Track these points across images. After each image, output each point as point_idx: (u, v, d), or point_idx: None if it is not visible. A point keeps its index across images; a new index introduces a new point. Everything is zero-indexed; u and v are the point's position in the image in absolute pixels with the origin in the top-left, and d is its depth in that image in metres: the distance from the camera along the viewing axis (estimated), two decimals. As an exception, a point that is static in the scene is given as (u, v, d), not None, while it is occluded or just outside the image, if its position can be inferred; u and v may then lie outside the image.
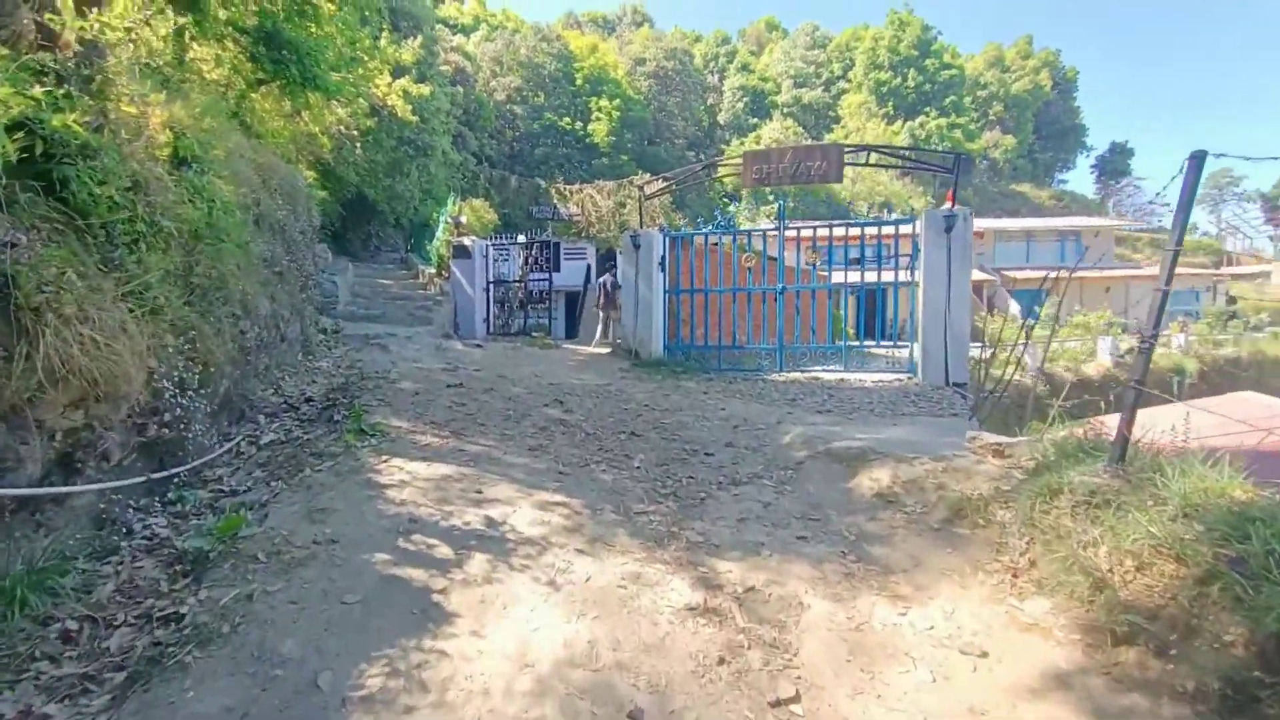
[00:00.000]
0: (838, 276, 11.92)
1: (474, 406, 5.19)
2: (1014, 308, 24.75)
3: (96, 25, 3.04)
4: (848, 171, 8.43)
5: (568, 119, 37.37)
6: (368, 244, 20.05)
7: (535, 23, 42.70)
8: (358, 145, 14.03)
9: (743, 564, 2.90)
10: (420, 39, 14.23)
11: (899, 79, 45.05)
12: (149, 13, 9.21)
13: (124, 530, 2.85)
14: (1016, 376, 15.17)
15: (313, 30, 10.55)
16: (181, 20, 9.01)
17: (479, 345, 9.45)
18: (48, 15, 2.83)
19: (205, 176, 4.26)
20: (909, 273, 8.03)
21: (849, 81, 49.71)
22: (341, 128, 13.47)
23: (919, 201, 45.22)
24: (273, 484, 3.41)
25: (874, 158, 8.32)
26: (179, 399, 3.32)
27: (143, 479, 3.01)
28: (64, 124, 2.50)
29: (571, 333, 23.89)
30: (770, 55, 56.26)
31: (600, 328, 11.50)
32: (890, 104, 44.73)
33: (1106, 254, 27.84)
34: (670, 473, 4.11)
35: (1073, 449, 3.03)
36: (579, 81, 38.93)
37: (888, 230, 8.24)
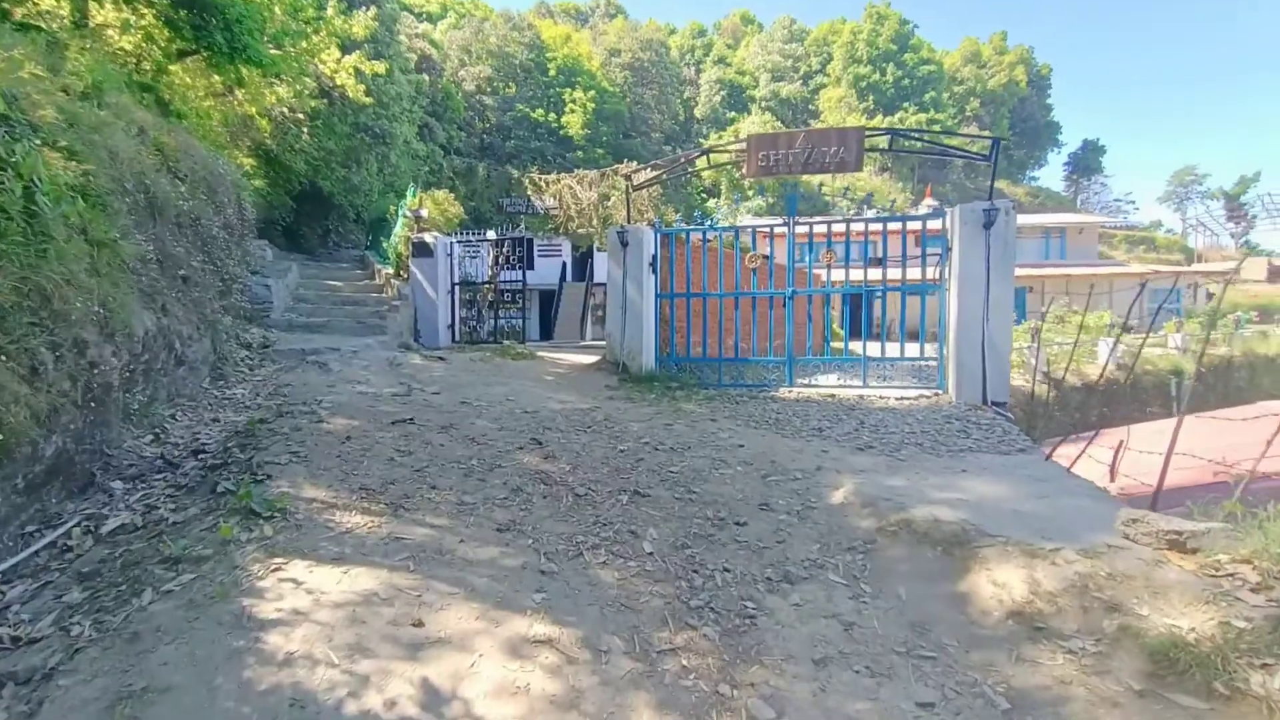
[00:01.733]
0: (838, 276, 10.93)
1: (425, 455, 3.95)
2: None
3: None
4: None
5: (540, 110, 35.89)
6: (326, 240, 18.42)
7: (505, 10, 41.04)
8: (304, 130, 12.51)
9: (852, 775, 1.75)
10: (374, 11, 12.76)
11: (878, 74, 44.61)
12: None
13: None
14: (1023, 381, 14.41)
15: (246, -4, 9.08)
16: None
17: (441, 358, 8.15)
18: None
19: (22, 144, 2.94)
20: (938, 274, 7.03)
21: (827, 76, 49.17)
22: (285, 110, 11.96)
23: (899, 197, 44.92)
24: (78, 626, 2.13)
25: (900, 144, 7.27)
26: (-85, 496, 2.03)
27: None
28: None
29: (547, 334, 22.65)
30: (747, 49, 55.46)
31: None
32: (870, 99, 44.25)
33: (1090, 250, 27.59)
34: (696, 561, 2.95)
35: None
36: (552, 72, 37.46)
37: (912, 226, 7.22)
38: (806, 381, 7.72)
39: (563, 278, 23.95)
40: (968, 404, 6.47)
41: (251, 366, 6.12)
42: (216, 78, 9.87)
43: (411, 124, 19.33)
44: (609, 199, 12.45)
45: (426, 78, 25.43)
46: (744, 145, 7.52)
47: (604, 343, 8.60)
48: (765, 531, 3.27)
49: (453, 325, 10.50)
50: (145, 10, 8.32)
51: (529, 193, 15.00)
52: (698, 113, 50.44)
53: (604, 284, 8.43)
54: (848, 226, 7.36)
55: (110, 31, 8.52)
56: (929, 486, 3.72)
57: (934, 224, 7.21)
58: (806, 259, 8.03)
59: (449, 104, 28.14)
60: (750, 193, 40.13)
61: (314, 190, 15.54)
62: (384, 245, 11.74)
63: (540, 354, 10.12)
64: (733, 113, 48.81)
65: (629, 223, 8.45)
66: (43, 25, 7.27)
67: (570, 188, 12.81)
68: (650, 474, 4.02)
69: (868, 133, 7.09)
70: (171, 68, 9.12)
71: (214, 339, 5.81)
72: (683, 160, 8.43)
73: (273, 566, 2.48)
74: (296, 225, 16.44)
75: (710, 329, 8.02)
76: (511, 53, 37.10)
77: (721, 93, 50.45)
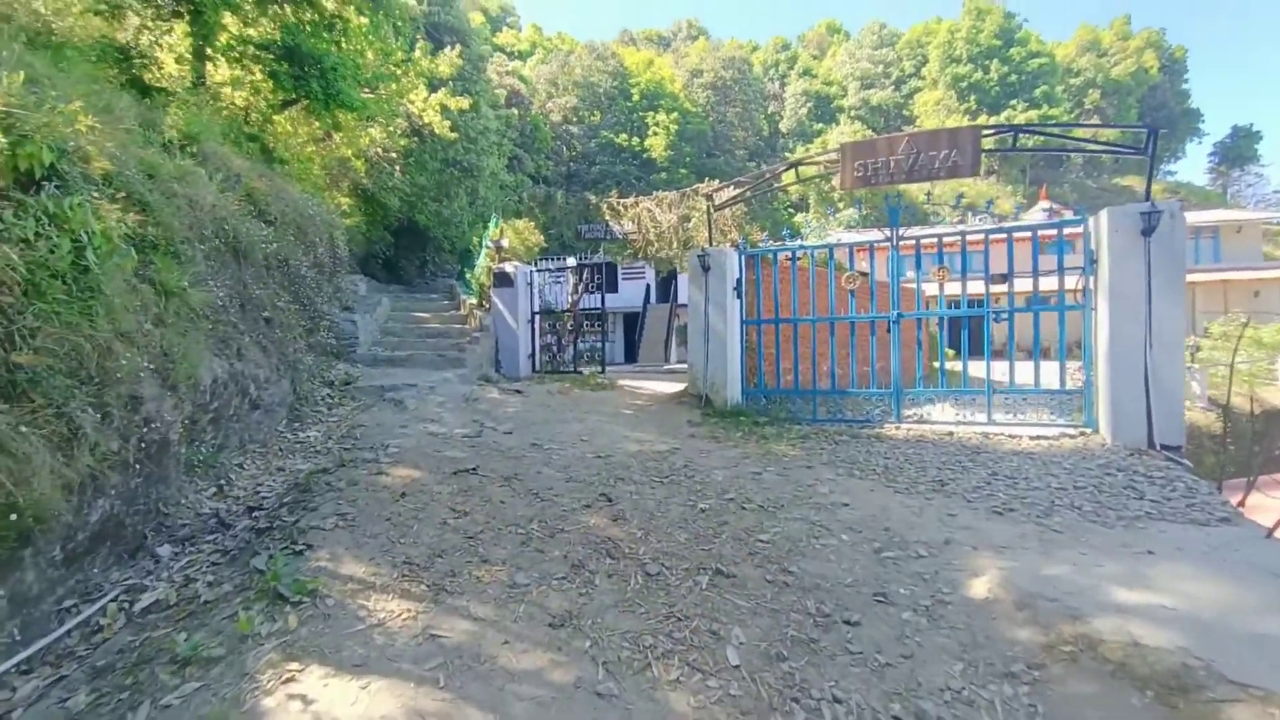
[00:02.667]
0: (951, 291, 9.73)
1: (481, 516, 3.55)
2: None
3: None
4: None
5: (624, 135, 36.35)
6: (423, 271, 19.25)
7: (590, 41, 42.26)
8: (397, 167, 13.04)
9: None
10: (458, 49, 13.19)
11: (980, 72, 41.56)
12: (159, 32, 8.43)
13: None
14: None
15: (341, 45, 9.59)
16: (192, 34, 8.19)
17: (518, 391, 7.93)
18: None
19: (72, 199, 2.86)
20: (1083, 288, 5.93)
21: (922, 79, 46.52)
22: (379, 150, 12.54)
23: (1007, 204, 41.33)
24: (60, 754, 1.84)
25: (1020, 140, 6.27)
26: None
27: None
28: None
29: (631, 357, 22.42)
30: (833, 58, 53.77)
31: None
32: (972, 99, 41.26)
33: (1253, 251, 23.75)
34: (796, 683, 2.29)
35: None
36: (635, 97, 37.97)
37: (1045, 233, 6.15)
38: (917, 415, 6.75)
39: (646, 300, 23.75)
40: (1128, 448, 5.31)
41: (330, 405, 6.10)
42: (316, 124, 10.45)
43: (501, 157, 19.95)
44: (689, 220, 11.96)
45: (516, 112, 26.42)
46: (837, 155, 6.78)
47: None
48: (885, 638, 2.56)
49: (533, 354, 10.35)
50: (254, 66, 8.90)
51: (607, 217, 14.83)
52: (783, 127, 49.27)
53: (687, 305, 7.93)
54: (962, 238, 6.40)
55: (225, 89, 9.19)
56: (1106, 578, 2.83)
57: (1071, 231, 6.13)
58: (913, 276, 7.11)
59: (537, 135, 29.07)
60: (841, 205, 38.42)
61: (410, 224, 16.27)
62: (468, 276, 11.91)
63: (621, 382, 9.73)
64: (820, 124, 47.23)
65: (711, 244, 7.90)
66: (166, 87, 7.94)
67: (649, 210, 12.46)
68: (735, 544, 3.40)
69: (984, 131, 6.13)
70: (276, 118, 9.72)
71: (294, 379, 5.84)
72: (768, 175, 7.79)
73: (285, 675, 2.11)
74: (395, 258, 17.29)
75: (802, 356, 7.26)
76: (596, 82, 38.00)
77: (808, 105, 49.03)
